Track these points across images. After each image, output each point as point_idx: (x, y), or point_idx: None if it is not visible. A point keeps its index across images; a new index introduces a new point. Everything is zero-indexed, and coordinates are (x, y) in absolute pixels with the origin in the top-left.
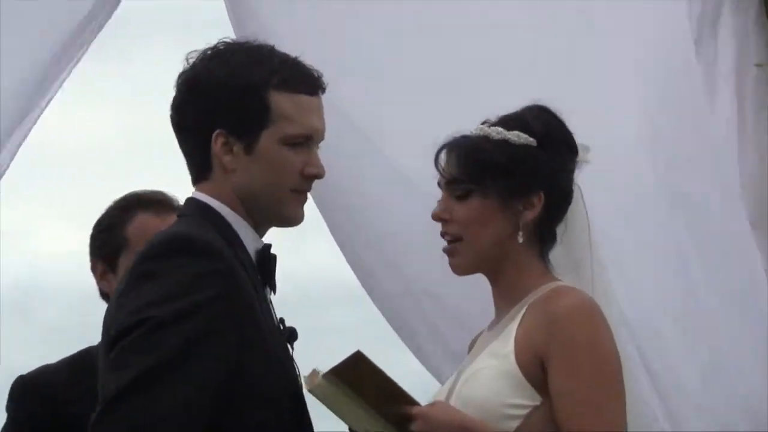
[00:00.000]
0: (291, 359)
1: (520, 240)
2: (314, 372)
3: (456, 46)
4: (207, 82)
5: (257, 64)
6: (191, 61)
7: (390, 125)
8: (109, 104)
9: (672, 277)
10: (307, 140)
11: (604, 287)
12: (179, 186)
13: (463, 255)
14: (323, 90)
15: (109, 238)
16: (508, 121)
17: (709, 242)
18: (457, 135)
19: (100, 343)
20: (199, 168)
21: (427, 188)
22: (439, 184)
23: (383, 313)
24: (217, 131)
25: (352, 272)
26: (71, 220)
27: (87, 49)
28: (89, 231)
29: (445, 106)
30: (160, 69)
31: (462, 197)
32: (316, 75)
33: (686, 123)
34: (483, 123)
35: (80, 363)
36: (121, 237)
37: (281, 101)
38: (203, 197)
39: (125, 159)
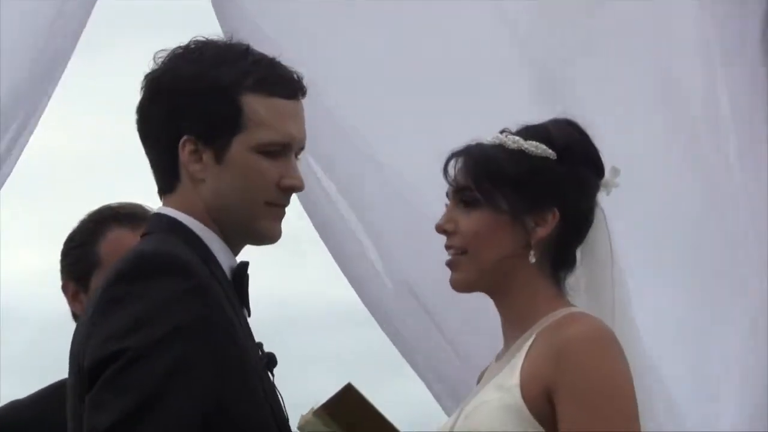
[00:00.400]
0: (274, 387)
1: (532, 259)
2: (310, 410)
3: (457, 49)
4: (172, 83)
5: (228, 63)
6: (159, 60)
7: (386, 131)
8: (75, 109)
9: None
10: (284, 148)
11: (627, 317)
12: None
13: (465, 269)
14: (303, 93)
15: (80, 255)
16: (528, 131)
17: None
18: (472, 142)
19: (69, 374)
20: (166, 178)
21: (425, 199)
22: (447, 194)
23: (388, 336)
24: (185, 137)
25: (343, 292)
26: (36, 239)
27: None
28: (56, 249)
29: (447, 112)
30: (130, 71)
31: (469, 207)
32: (296, 77)
33: None
34: (502, 132)
35: (53, 397)
36: (94, 254)
37: (255, 105)
38: (170, 212)
39: (96, 170)
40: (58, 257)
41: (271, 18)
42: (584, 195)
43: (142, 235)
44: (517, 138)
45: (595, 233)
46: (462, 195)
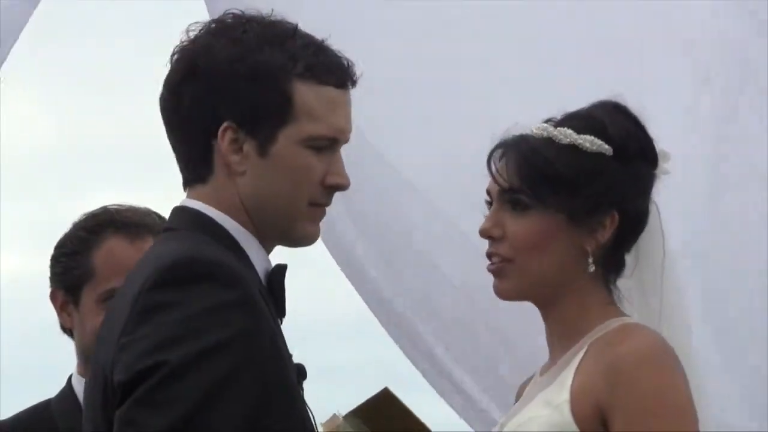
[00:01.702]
0: (304, 401)
1: (591, 268)
2: (334, 416)
3: (473, 50)
4: (212, 62)
5: (276, 44)
6: (192, 34)
7: (399, 134)
8: (46, 98)
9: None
10: (332, 143)
11: (675, 320)
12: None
13: (513, 278)
14: (354, 83)
15: (72, 264)
16: (578, 122)
17: None
18: (516, 134)
19: (90, 387)
20: (196, 168)
21: (441, 203)
22: (488, 191)
23: (403, 350)
24: (226, 124)
25: (357, 302)
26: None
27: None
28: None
29: (461, 114)
30: (110, 54)
31: (518, 211)
32: (347, 63)
33: None
34: (547, 121)
35: (35, 418)
36: (87, 264)
37: (306, 94)
38: (199, 205)
39: (71, 165)
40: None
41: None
42: (643, 193)
43: (165, 230)
44: (569, 131)
45: (647, 229)
46: (510, 196)
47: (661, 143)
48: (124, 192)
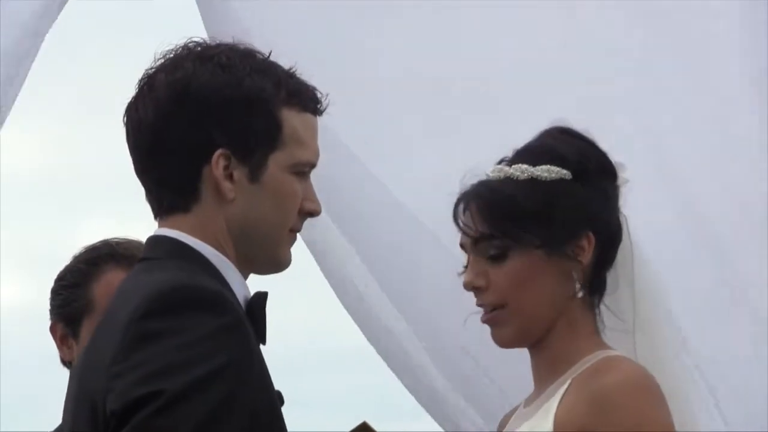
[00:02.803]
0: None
1: (579, 293)
2: None
3: (462, 62)
4: (204, 88)
5: (261, 71)
6: (169, 61)
7: (387, 150)
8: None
9: None
10: (311, 170)
11: (657, 338)
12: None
13: (510, 323)
14: (321, 111)
15: (72, 297)
16: (530, 155)
17: None
18: (473, 183)
19: (72, 412)
20: (182, 196)
21: (432, 224)
22: (462, 245)
23: (395, 373)
24: (220, 151)
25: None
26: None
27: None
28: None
29: (447, 131)
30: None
31: (498, 258)
32: (317, 92)
33: None
34: (500, 162)
35: None
36: (86, 297)
37: (292, 120)
38: (177, 234)
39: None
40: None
41: (264, 26)
42: (612, 209)
43: (141, 260)
44: (524, 166)
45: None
46: (486, 244)
47: None
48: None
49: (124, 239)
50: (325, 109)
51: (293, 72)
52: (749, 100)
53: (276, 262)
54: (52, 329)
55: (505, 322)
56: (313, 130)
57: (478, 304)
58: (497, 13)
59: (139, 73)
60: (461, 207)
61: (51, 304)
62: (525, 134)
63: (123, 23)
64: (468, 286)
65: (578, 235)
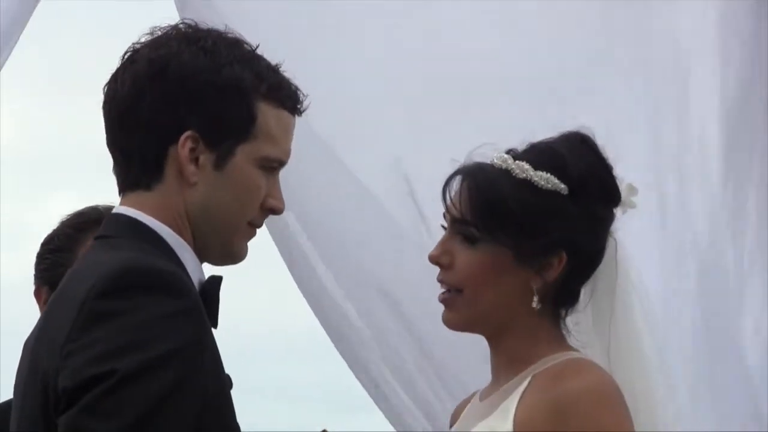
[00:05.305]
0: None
1: (535, 306)
2: None
3: (436, 56)
4: (184, 68)
5: (244, 62)
6: (156, 38)
7: (360, 143)
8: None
9: None
10: (279, 167)
11: (626, 358)
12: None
13: (460, 310)
14: (301, 112)
15: (57, 260)
16: (538, 156)
17: None
18: (475, 162)
19: (22, 388)
20: (145, 174)
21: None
22: (444, 215)
23: (352, 369)
24: (189, 133)
25: (308, 321)
26: None
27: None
28: None
29: (428, 123)
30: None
31: (468, 242)
32: (298, 91)
33: None
34: (509, 152)
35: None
36: (72, 262)
37: (267, 114)
38: (136, 213)
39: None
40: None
41: (242, 19)
42: (597, 235)
43: (97, 238)
44: (526, 166)
45: (602, 267)
46: (462, 227)
47: None
48: (87, 196)
49: (112, 205)
50: (304, 110)
51: (278, 68)
52: None
53: (230, 252)
54: (37, 293)
55: (457, 308)
56: (288, 128)
57: (439, 280)
58: (476, 6)
59: (110, 56)
60: (454, 181)
61: (36, 268)
62: (504, 127)
63: (99, 7)
64: (432, 260)
65: (550, 252)
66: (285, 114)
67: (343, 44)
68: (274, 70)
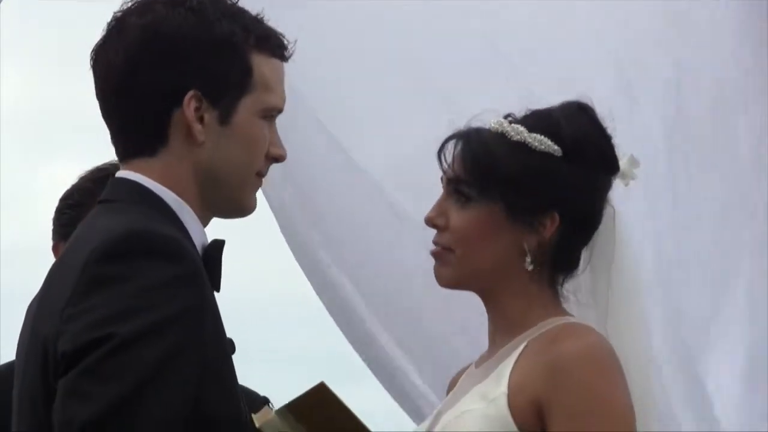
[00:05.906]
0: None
1: (528, 267)
2: (267, 409)
3: (434, 43)
4: (175, 31)
5: (230, 16)
6: (139, 4)
7: (357, 122)
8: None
9: None
10: (277, 115)
11: (622, 325)
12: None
13: (452, 266)
14: (288, 57)
15: (77, 216)
16: (536, 120)
17: None
18: (472, 126)
19: (24, 352)
20: (148, 139)
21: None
22: (441, 179)
23: (348, 338)
24: (192, 93)
25: (305, 286)
26: None
27: None
28: None
29: (419, 105)
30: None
31: (463, 202)
32: (284, 38)
33: None
34: (506, 116)
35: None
36: None
37: (261, 65)
38: (139, 177)
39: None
40: None
41: None
42: (590, 198)
43: (101, 202)
44: (521, 129)
45: (599, 235)
46: (456, 186)
47: None
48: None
49: None
50: (291, 55)
51: (261, 18)
52: None
53: (241, 206)
54: (55, 249)
55: (449, 263)
56: (281, 75)
57: (434, 241)
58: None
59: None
60: (450, 144)
61: (55, 224)
62: (498, 108)
63: None
64: (428, 222)
65: (543, 211)
66: (276, 62)
67: (347, 29)
68: (259, 21)
